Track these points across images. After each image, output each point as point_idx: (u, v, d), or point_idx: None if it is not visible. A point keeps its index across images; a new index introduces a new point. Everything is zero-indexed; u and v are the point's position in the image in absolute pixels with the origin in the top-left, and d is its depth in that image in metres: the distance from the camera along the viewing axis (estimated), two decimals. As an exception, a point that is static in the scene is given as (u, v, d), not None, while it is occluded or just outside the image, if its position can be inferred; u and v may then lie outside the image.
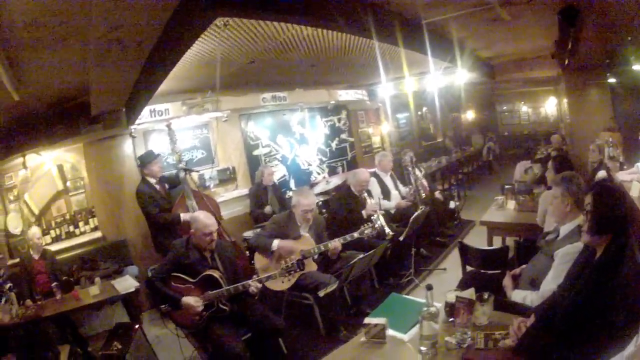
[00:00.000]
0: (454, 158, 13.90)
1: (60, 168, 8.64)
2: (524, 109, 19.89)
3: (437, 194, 9.03)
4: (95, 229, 8.62)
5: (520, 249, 5.30)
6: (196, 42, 4.81)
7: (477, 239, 5.71)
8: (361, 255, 5.30)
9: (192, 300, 4.63)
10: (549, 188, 5.50)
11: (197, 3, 3.57)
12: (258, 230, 7.53)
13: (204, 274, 4.81)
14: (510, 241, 6.69)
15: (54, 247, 7.73)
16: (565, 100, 11.95)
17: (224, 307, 4.78)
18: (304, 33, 5.98)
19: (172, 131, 7.25)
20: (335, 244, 5.70)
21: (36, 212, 8.50)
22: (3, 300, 6.43)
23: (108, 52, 4.32)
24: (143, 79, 5.76)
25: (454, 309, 3.24)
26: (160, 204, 6.87)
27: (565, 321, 2.79)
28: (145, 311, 7.62)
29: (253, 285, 4.74)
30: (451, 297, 3.32)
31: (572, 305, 2.83)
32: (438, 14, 6.13)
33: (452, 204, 9.51)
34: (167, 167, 8.54)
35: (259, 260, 5.83)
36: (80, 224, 8.56)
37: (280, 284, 5.46)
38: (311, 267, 5.60)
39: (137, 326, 5.92)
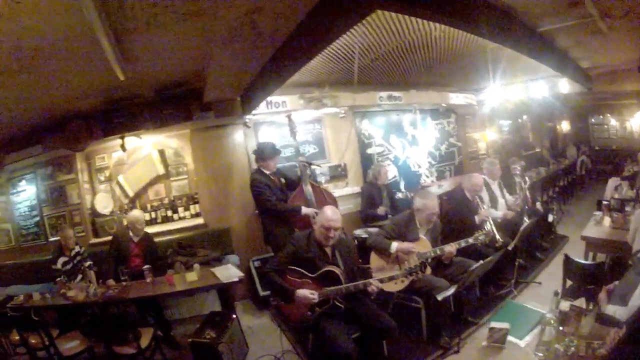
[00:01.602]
0: (551, 170, 13.65)
1: (161, 153, 8.98)
2: (613, 122, 19.34)
3: (538, 206, 9.00)
4: (196, 215, 8.90)
5: (614, 265, 5.37)
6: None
7: (570, 255, 5.76)
8: (480, 262, 5.31)
9: (308, 293, 4.71)
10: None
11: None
12: (371, 229, 7.66)
13: (324, 269, 4.89)
14: (601, 257, 6.76)
15: (147, 230, 7.87)
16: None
17: (339, 305, 4.86)
18: (432, 35, 6.18)
19: (293, 123, 7.30)
20: (451, 248, 5.76)
21: (131, 194, 8.83)
22: (79, 277, 6.78)
23: (239, 36, 4.39)
24: (270, 69, 5.81)
25: (566, 318, 3.35)
26: (276, 194, 6.90)
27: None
28: (238, 301, 7.75)
29: (375, 284, 4.79)
30: (565, 306, 3.43)
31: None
32: (552, 23, 6.21)
33: (550, 217, 9.47)
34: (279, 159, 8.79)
35: (375, 260, 5.90)
36: (180, 209, 8.90)
37: (394, 285, 5.52)
38: (426, 270, 5.61)
39: (234, 316, 6.05)
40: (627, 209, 7.06)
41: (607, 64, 9.96)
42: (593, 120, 19.92)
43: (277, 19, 4.11)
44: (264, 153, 7.01)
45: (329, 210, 4.99)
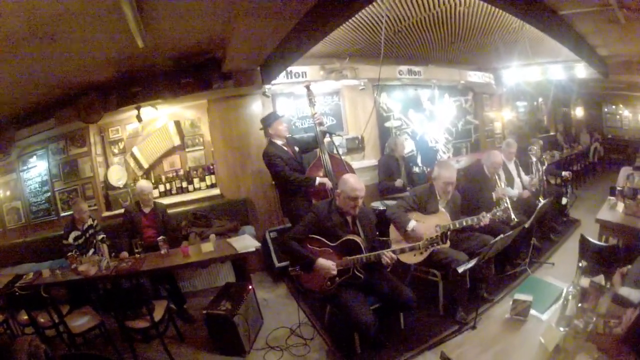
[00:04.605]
0: (565, 154, 13.78)
1: (177, 124, 8.98)
2: (626, 113, 19.38)
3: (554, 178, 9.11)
4: (211, 186, 8.96)
5: (627, 249, 5.46)
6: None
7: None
8: (501, 236, 5.26)
9: (329, 264, 4.74)
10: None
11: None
12: (388, 202, 7.81)
13: (344, 238, 4.90)
14: (612, 241, 6.70)
15: (162, 202, 7.96)
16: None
17: (359, 275, 4.89)
18: (457, 9, 6.33)
19: (312, 92, 7.20)
20: (486, 220, 5.81)
21: (145, 166, 8.85)
22: (91, 251, 6.76)
23: (264, 3, 4.37)
24: (293, 38, 5.81)
25: (585, 294, 3.43)
26: (290, 164, 6.86)
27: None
28: (253, 273, 7.73)
29: (388, 254, 4.76)
30: (585, 282, 3.48)
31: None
32: (572, 7, 6.27)
33: (563, 200, 9.53)
34: (296, 130, 9.04)
35: (394, 232, 5.92)
36: (195, 180, 8.93)
37: (412, 257, 5.58)
38: (444, 243, 5.60)
39: (250, 287, 6.04)
40: (640, 196, 7.09)
41: (624, 54, 9.98)
42: (606, 109, 19.95)
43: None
44: (266, 121, 7.01)
45: (352, 179, 4.96)
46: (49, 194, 9.04)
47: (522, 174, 8.49)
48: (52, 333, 5.56)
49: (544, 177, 8.65)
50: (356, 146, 9.90)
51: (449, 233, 5.67)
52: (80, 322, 5.62)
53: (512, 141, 8.43)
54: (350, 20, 6.36)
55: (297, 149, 7.14)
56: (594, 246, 5.36)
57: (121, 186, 8.75)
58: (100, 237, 7.12)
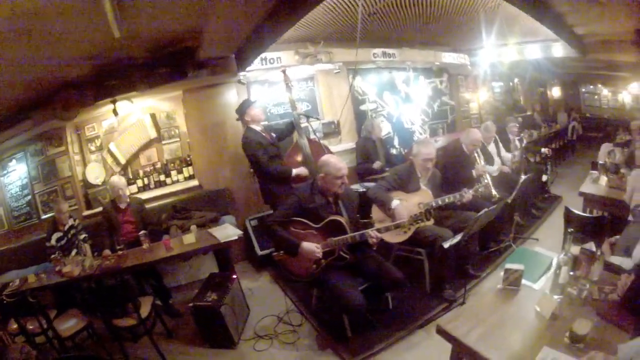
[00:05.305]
0: (543, 133, 13.96)
1: (153, 117, 8.83)
2: (605, 92, 19.69)
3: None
4: (190, 177, 8.87)
5: (613, 221, 5.55)
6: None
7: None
8: (485, 210, 5.25)
9: (313, 247, 4.67)
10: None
11: None
12: (367, 184, 7.66)
13: (328, 219, 4.83)
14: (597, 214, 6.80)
15: (141, 196, 7.91)
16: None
17: (345, 256, 4.83)
18: None
19: (288, 77, 7.21)
20: (469, 196, 5.83)
21: (123, 161, 8.70)
22: (74, 252, 6.62)
23: None
24: (268, 21, 5.74)
25: (577, 261, 3.43)
26: (269, 150, 6.78)
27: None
28: (235, 263, 7.58)
29: (372, 233, 4.71)
30: (575, 250, 3.46)
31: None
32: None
33: (544, 177, 9.64)
34: (272, 117, 8.95)
35: (376, 212, 5.87)
36: (173, 172, 8.80)
37: (396, 237, 5.55)
38: (429, 220, 5.51)
39: (235, 276, 5.97)
40: (622, 171, 7.12)
41: (603, 33, 10.02)
42: (584, 89, 20.20)
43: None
44: (241, 109, 6.97)
45: (332, 159, 4.94)
46: (29, 197, 8.87)
47: (503, 151, 8.59)
48: (42, 340, 5.44)
49: (524, 155, 8.73)
50: (332, 130, 9.84)
51: (432, 210, 5.64)
52: (68, 325, 5.50)
53: (491, 124, 8.51)
54: (324, 3, 6.25)
55: (273, 135, 7.08)
56: (579, 218, 5.39)
57: (100, 184, 8.62)
58: (82, 236, 7.05)
